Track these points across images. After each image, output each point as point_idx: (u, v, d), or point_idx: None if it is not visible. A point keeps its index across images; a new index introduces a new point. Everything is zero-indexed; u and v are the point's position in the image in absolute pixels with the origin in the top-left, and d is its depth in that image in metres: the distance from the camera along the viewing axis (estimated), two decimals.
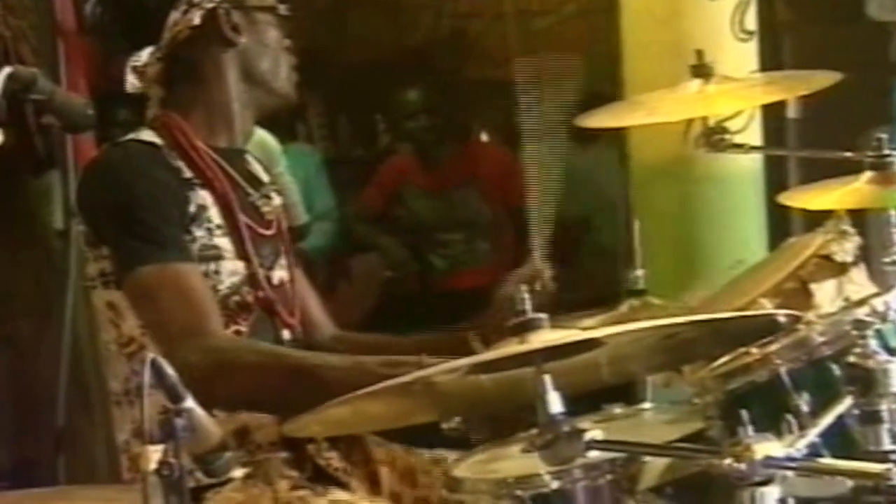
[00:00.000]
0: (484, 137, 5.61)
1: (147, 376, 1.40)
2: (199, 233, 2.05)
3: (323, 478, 2.06)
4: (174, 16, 2.13)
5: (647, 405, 2.17)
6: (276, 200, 2.24)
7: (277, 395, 1.94)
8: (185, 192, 2.06)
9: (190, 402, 1.43)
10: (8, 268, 3.61)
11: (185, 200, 2.05)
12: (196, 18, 2.12)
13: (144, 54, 2.16)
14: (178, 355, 1.84)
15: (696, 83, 2.23)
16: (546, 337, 1.52)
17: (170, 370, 1.42)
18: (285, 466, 2.04)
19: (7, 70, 1.68)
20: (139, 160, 2.06)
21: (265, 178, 2.28)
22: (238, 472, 1.97)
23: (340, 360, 1.99)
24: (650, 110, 2.37)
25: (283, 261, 2.20)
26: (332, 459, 2.08)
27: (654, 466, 1.82)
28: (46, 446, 3.43)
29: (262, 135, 4.17)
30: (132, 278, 1.99)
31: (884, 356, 1.76)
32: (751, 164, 3.65)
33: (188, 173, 2.09)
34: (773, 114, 3.51)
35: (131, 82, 2.16)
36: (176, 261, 1.99)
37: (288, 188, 4.09)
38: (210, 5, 2.13)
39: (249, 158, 2.26)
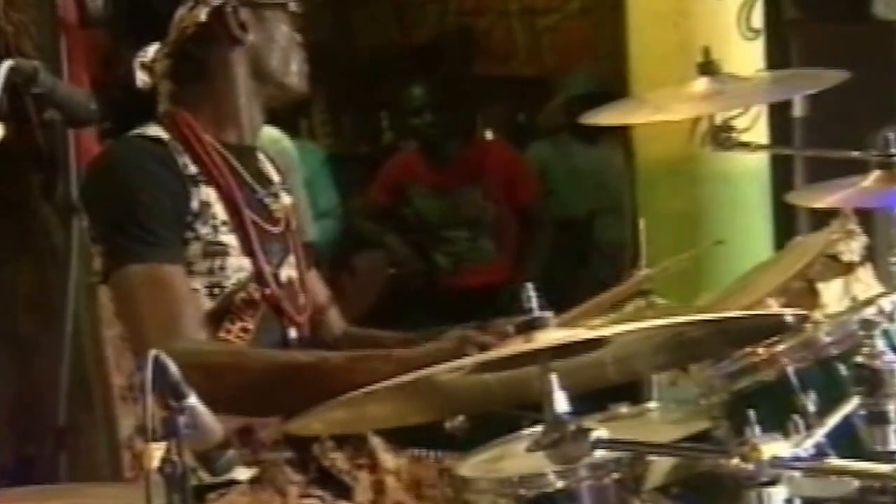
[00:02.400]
0: (488, 135, 5.60)
1: (149, 373, 1.38)
2: (203, 230, 2.03)
3: (328, 479, 2.05)
4: (181, 11, 2.12)
5: (652, 404, 2.17)
6: (286, 199, 2.22)
7: (252, 394, 1.91)
8: (187, 189, 2.03)
9: (192, 400, 1.42)
10: (10, 264, 3.60)
11: (186, 197, 2.02)
12: (202, 15, 2.11)
13: (150, 50, 2.16)
14: None
15: (702, 81, 2.22)
16: (552, 335, 1.51)
17: (172, 367, 1.41)
18: (290, 467, 2.03)
19: (8, 63, 1.67)
20: (140, 157, 2.04)
21: (276, 177, 2.26)
22: (244, 475, 1.96)
23: (305, 356, 1.97)
24: (656, 108, 2.37)
25: (291, 259, 2.18)
26: (337, 460, 2.06)
27: (660, 466, 1.81)
28: (48, 444, 3.42)
29: (284, 144, 4.15)
30: (119, 276, 1.97)
31: (891, 356, 1.76)
32: (757, 163, 3.64)
33: (193, 169, 2.07)
34: (779, 112, 3.49)
35: (140, 78, 2.15)
36: (164, 262, 1.96)
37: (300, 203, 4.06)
38: (217, 3, 2.12)
39: (261, 156, 2.24)
